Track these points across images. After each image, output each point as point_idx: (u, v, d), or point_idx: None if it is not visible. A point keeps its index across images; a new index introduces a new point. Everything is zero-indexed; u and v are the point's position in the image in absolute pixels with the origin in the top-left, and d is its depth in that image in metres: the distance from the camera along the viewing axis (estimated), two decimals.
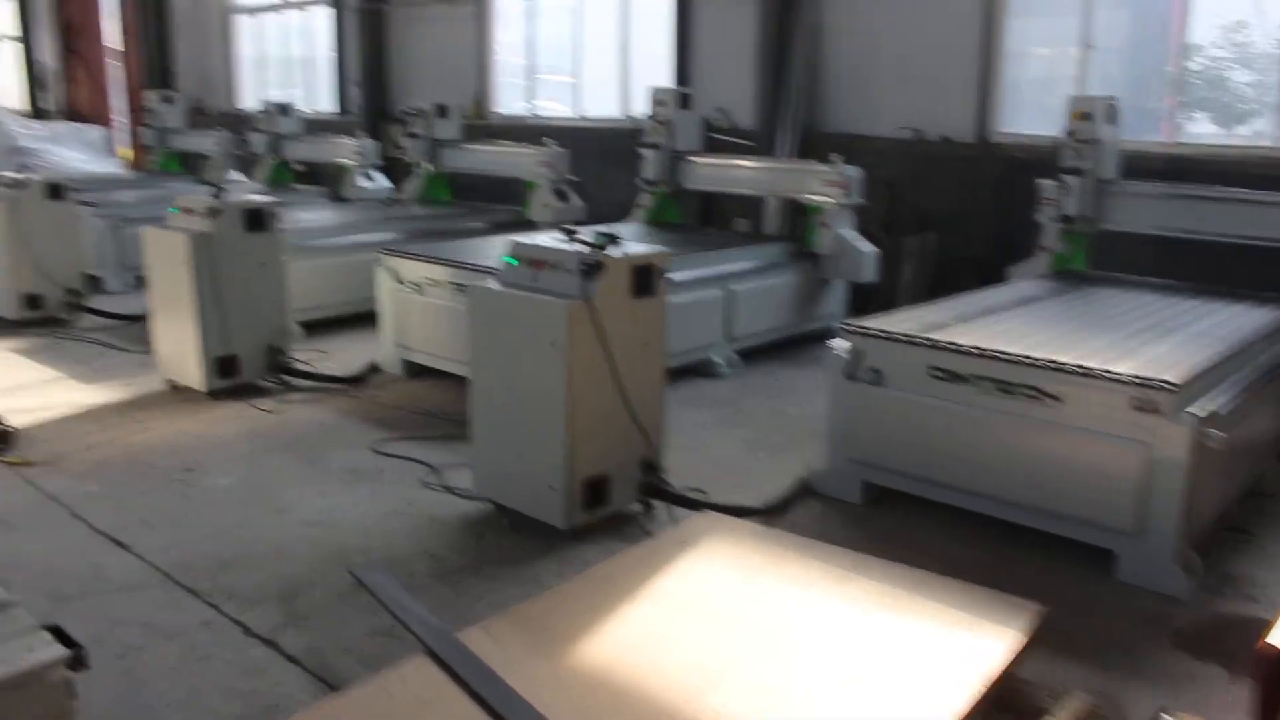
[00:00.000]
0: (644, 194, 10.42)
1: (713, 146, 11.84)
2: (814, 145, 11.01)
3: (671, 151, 10.25)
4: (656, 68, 12.63)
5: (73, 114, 22.63)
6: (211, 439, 6.54)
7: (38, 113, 22.94)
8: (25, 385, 7.74)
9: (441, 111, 12.28)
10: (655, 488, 5.23)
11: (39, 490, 5.71)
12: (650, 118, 10.40)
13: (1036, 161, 8.57)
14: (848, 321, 5.57)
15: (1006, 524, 5.15)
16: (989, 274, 8.20)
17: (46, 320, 9.54)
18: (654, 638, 3.65)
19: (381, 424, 6.82)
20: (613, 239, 4.82)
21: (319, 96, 17.98)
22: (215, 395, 7.26)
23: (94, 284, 10.54)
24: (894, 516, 5.49)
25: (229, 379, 7.27)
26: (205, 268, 7.04)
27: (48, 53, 24.56)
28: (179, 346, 7.31)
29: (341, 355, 8.54)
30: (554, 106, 14.27)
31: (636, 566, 4.29)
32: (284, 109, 14.05)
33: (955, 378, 5.17)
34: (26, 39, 24.72)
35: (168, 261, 7.22)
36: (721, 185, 10.34)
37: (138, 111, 17.59)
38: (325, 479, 5.89)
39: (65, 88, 23.75)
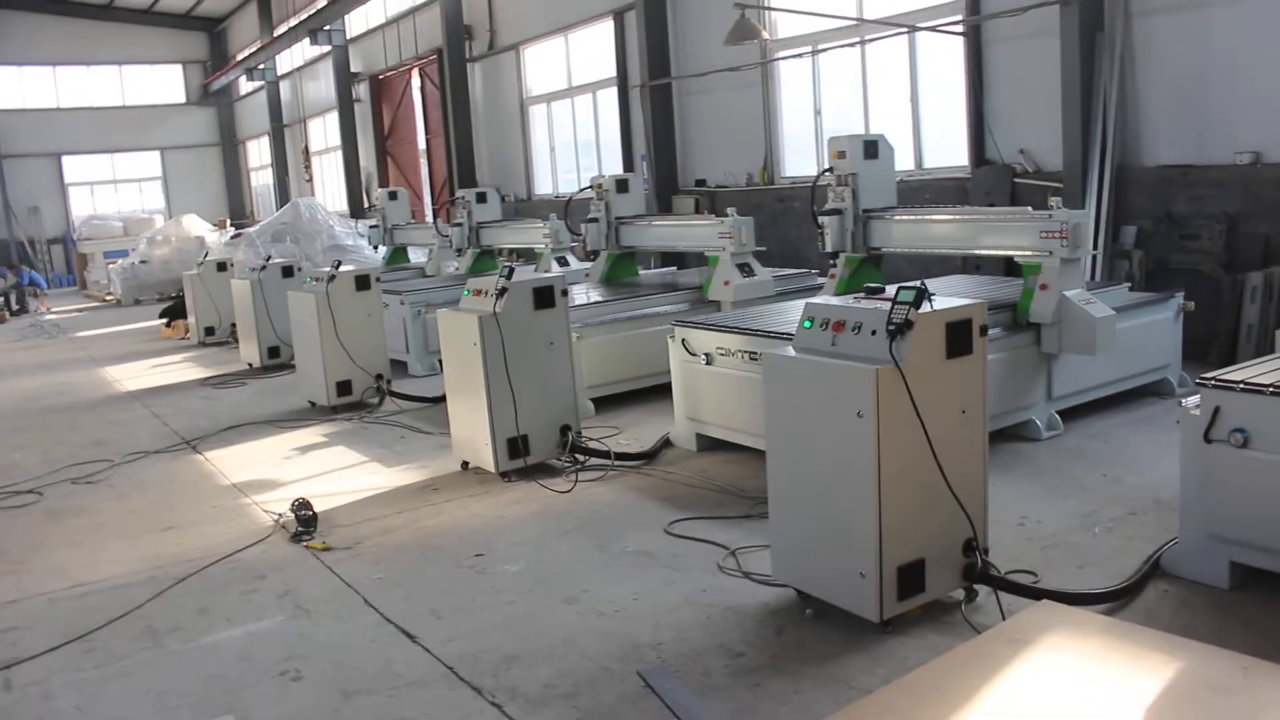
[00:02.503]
0: (833, 264, 8.83)
1: (1018, 193, 11.04)
2: (1129, 181, 10.02)
3: (859, 212, 8.59)
4: (952, 116, 11.96)
5: None
6: (502, 522, 6.37)
7: (356, 213, 24.68)
8: (332, 469, 7.93)
9: (621, 186, 11.38)
10: (980, 572, 4.56)
11: (335, 576, 5.68)
12: (829, 173, 8.71)
13: None
14: (1205, 375, 4.72)
15: None
16: None
17: (355, 405, 9.87)
18: None
19: (675, 503, 6.45)
20: (921, 293, 4.25)
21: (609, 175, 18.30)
22: (507, 476, 7.15)
23: (399, 369, 10.90)
24: (1273, 604, 4.56)
25: (520, 459, 7.13)
26: (495, 348, 6.96)
27: (365, 157, 26.52)
28: (471, 428, 7.26)
29: (633, 430, 8.31)
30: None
31: (964, 670, 3.65)
32: (482, 196, 14.04)
33: None
34: (347, 147, 26.79)
35: (459, 343, 7.21)
36: (919, 244, 8.62)
37: (441, 205, 18.54)
38: (616, 564, 5.56)
39: (381, 186, 25.42)
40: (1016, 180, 11.16)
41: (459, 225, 13.85)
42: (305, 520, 6.47)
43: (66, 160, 33.96)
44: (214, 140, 36.68)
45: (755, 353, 6.80)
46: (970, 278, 9.42)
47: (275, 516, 6.78)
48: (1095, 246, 10.17)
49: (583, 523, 6.23)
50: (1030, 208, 7.33)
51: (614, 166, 17.67)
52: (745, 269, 9.59)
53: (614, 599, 5.07)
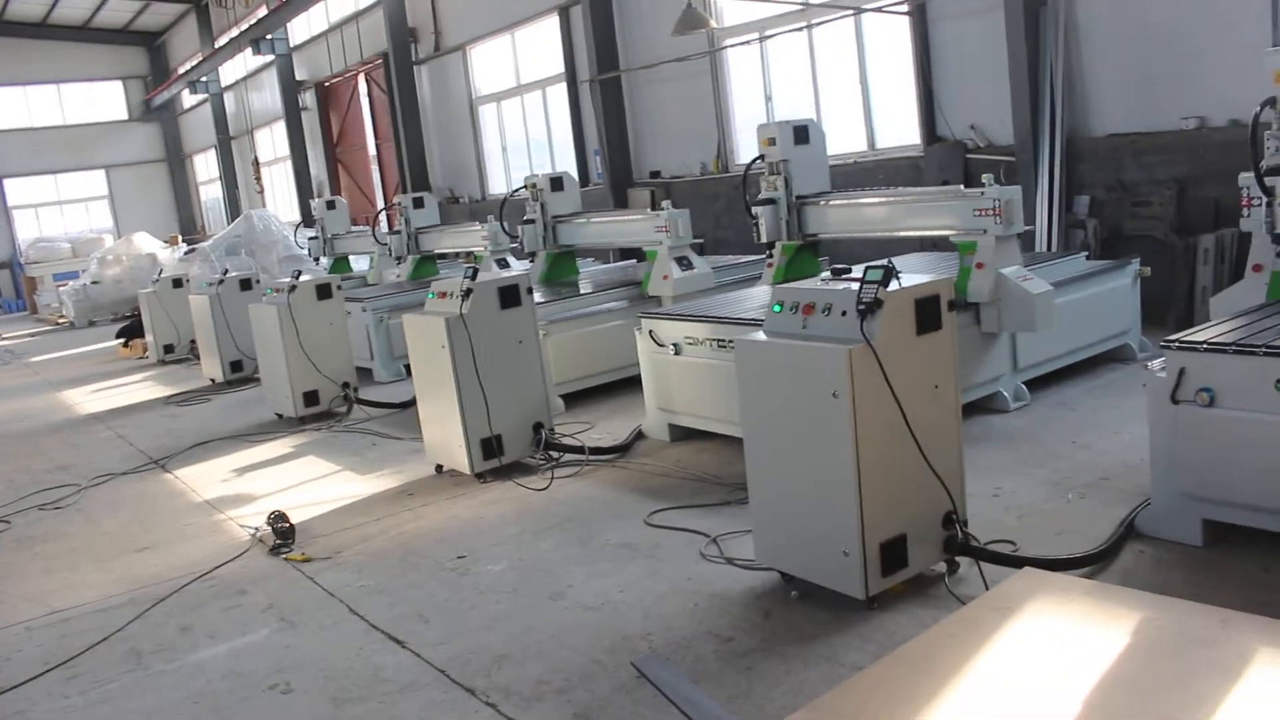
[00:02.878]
0: (770, 254, 8.63)
1: (971, 169, 11.14)
2: (1080, 152, 10.15)
3: (793, 199, 8.38)
4: (902, 96, 12.05)
5: None
6: (481, 523, 6.37)
7: (309, 222, 24.46)
8: (305, 480, 7.88)
9: (555, 184, 11.09)
10: (961, 544, 4.61)
11: (318, 586, 5.66)
12: (760, 161, 8.51)
13: None
14: (1169, 338, 4.80)
15: None
16: None
17: (323, 415, 9.81)
18: None
19: (652, 494, 6.48)
20: (889, 272, 4.29)
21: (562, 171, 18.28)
22: (482, 477, 7.14)
23: (364, 376, 10.84)
24: (1246, 558, 4.65)
25: (495, 459, 7.12)
26: (464, 349, 6.94)
27: (316, 166, 26.30)
28: (443, 430, 7.24)
29: (605, 424, 8.33)
30: None
31: (953, 641, 3.70)
32: (419, 201, 13.69)
33: None
34: (296, 156, 26.56)
35: (427, 346, 7.18)
36: (855, 229, 8.48)
37: (377, 214, 18.40)
38: (598, 558, 5.57)
39: (331, 193, 25.22)
40: (969, 156, 11.26)
41: (398, 233, 13.69)
42: (283, 533, 6.43)
43: (8, 183, 33.42)
44: (159, 156, 36.24)
45: (724, 340, 6.84)
46: (929, 255, 9.50)
47: (252, 531, 6.73)
48: (1050, 217, 10.31)
49: (562, 519, 6.24)
50: (963, 186, 7.09)
51: (568, 163, 17.64)
52: (683, 262, 9.35)
53: (599, 592, 5.08)
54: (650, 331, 7.50)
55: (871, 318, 4.24)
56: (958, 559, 4.69)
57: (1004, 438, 6.71)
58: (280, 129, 27.46)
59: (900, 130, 12.27)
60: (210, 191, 35.56)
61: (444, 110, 20.99)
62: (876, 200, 8.15)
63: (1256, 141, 5.36)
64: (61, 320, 24.73)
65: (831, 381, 4.25)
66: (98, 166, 34.83)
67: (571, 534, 5.98)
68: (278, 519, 6.51)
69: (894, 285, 4.31)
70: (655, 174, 15.71)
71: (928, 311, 4.42)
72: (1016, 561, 4.52)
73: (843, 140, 12.99)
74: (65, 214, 34.68)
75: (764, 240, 8.43)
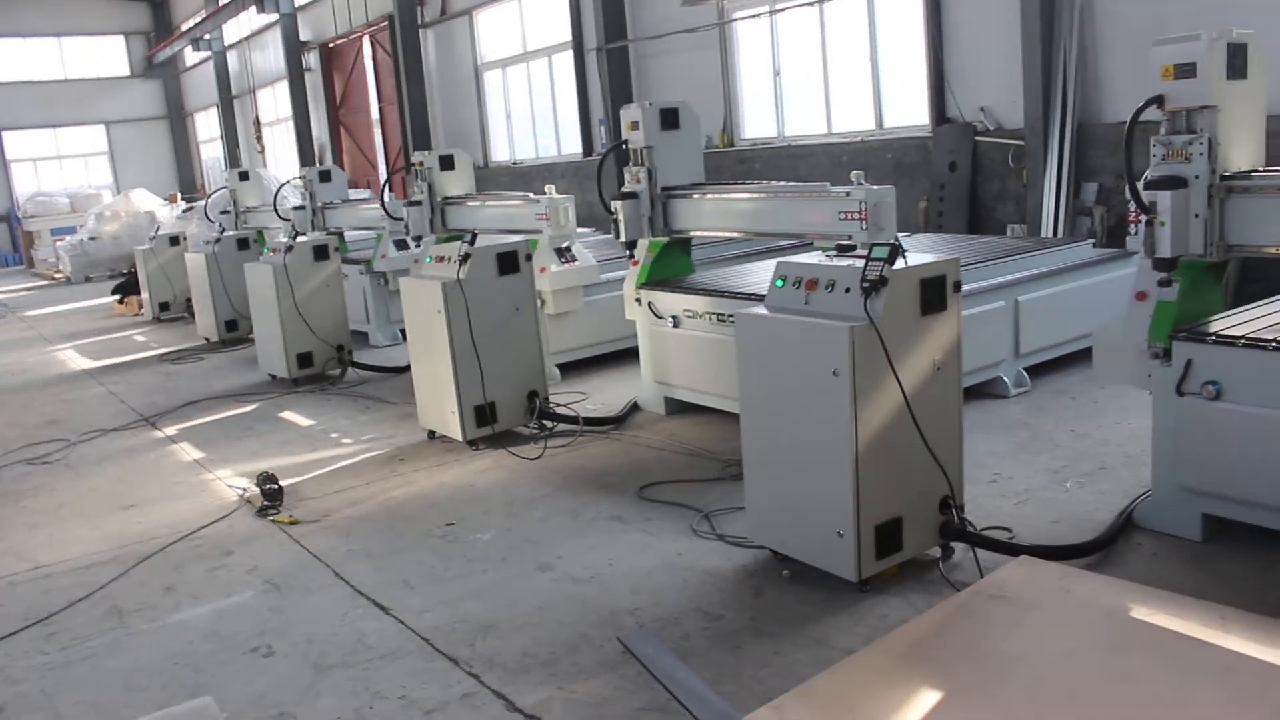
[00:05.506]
0: (631, 253, 7.59)
1: (980, 152, 11.04)
2: (1090, 138, 10.05)
3: (658, 191, 7.36)
4: (912, 75, 11.92)
5: None
6: (471, 491, 6.30)
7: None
8: (295, 442, 7.81)
9: (445, 163, 9.84)
10: (957, 529, 4.54)
11: (304, 549, 5.59)
12: (624, 147, 7.58)
13: None
14: (1179, 327, 4.71)
15: None
16: None
17: (317, 377, 9.73)
18: (978, 717, 3.02)
19: (646, 467, 6.41)
20: (895, 250, 4.20)
21: (566, 141, 18.17)
22: (474, 444, 7.07)
23: (360, 340, 10.74)
24: (1244, 555, 4.57)
25: (488, 426, 7.05)
26: (460, 315, 6.85)
27: (318, 127, 26.13)
28: (437, 396, 7.16)
29: (601, 394, 8.25)
30: (805, 125, 13.71)
31: (946, 627, 3.65)
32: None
33: None
34: (298, 117, 26.37)
35: (423, 311, 7.09)
36: (721, 225, 7.27)
37: (395, 173, 18.09)
38: (589, 530, 5.50)
39: (334, 157, 25.11)
40: (978, 139, 11.17)
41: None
42: (271, 494, 6.36)
43: (7, 136, 33.15)
44: (161, 113, 35.94)
45: (724, 315, 6.75)
46: (934, 236, 9.41)
47: (240, 492, 6.66)
48: (1057, 203, 10.21)
49: (554, 489, 6.17)
50: (830, 184, 6.01)
51: (572, 133, 17.52)
52: (564, 254, 8.46)
53: (588, 565, 5.02)
54: (649, 304, 7.41)
55: (876, 296, 4.16)
56: (953, 544, 4.63)
57: (1003, 424, 6.64)
58: (283, 89, 27.22)
59: (909, 110, 12.15)
60: (211, 150, 35.30)
61: (449, 75, 20.80)
62: (746, 196, 6.99)
63: (1131, 146, 4.63)
64: (58, 276, 24.62)
65: (832, 359, 4.16)
66: (98, 122, 34.52)
67: (562, 505, 5.91)
68: (266, 480, 6.45)
69: (900, 264, 4.22)
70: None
71: (933, 291, 4.33)
72: (1012, 549, 4.46)
73: (850, 119, 12.89)
74: (64, 169, 34.40)
75: (623, 239, 7.40)
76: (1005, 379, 7.23)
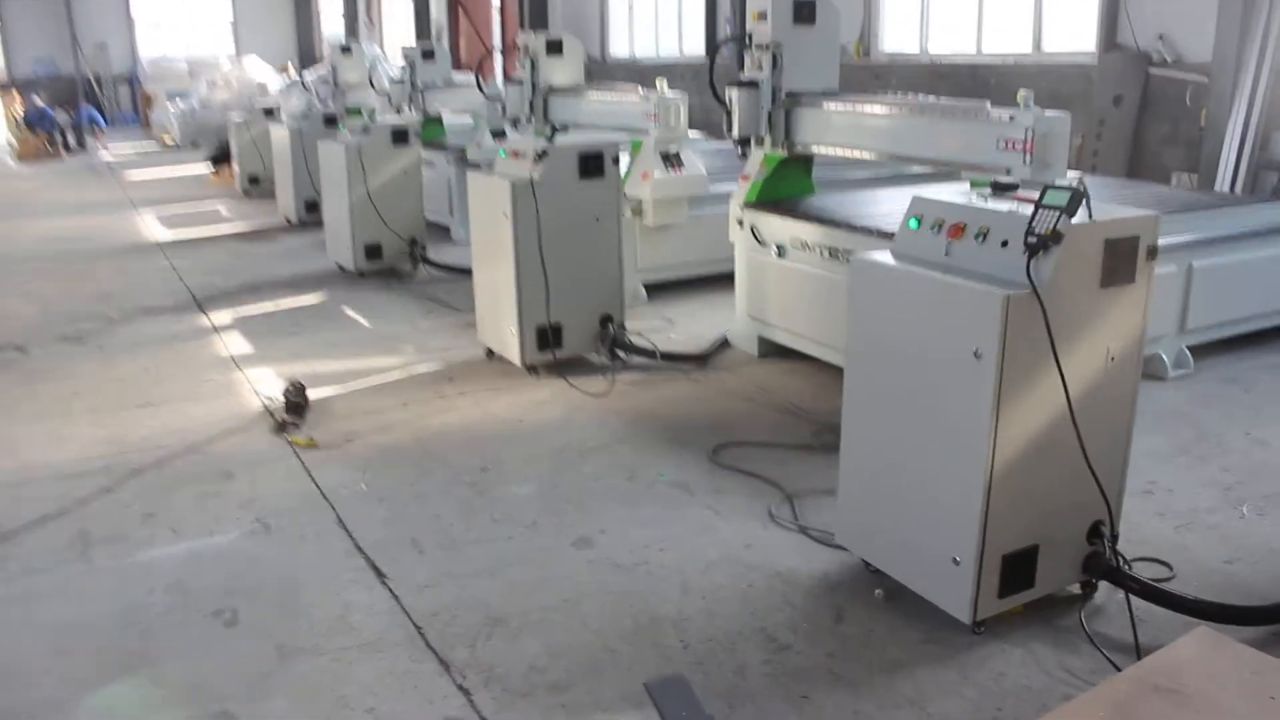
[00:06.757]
0: (747, 155, 6.54)
1: (1152, 87, 9.62)
2: None
3: (782, 94, 6.25)
4: None
5: (456, 64, 22.91)
6: (519, 428, 5.40)
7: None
8: (342, 345, 7.00)
9: (552, 48, 8.94)
10: (1107, 566, 3.48)
11: (312, 482, 4.77)
12: (737, 43, 6.65)
13: None
14: None
15: None
16: None
17: (385, 272, 8.93)
18: None
19: (725, 421, 5.43)
20: (1078, 196, 3.08)
21: (689, 40, 16.97)
22: (533, 370, 6.17)
23: (441, 234, 9.90)
24: None
25: (550, 352, 6.12)
26: (529, 220, 5.89)
27: (436, 5, 25.14)
28: (496, 312, 6.26)
29: (689, 325, 7.26)
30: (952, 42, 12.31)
31: None
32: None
33: None
34: None
35: (489, 212, 6.15)
36: (849, 143, 6.05)
37: (512, 58, 17.10)
38: (646, 497, 4.56)
39: (451, 38, 24.17)
40: (1151, 71, 9.72)
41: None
42: (295, 408, 5.59)
43: None
44: None
45: (838, 250, 5.68)
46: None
47: (266, 400, 5.89)
48: (1239, 154, 8.79)
49: (614, 438, 5.24)
50: (989, 103, 5.03)
51: (696, 32, 16.28)
52: (671, 160, 7.57)
53: (635, 547, 4.08)
54: (751, 227, 6.36)
55: (1044, 255, 3.07)
56: (1098, 581, 3.58)
57: (1161, 415, 5.46)
58: None
59: (1073, 32, 10.67)
60: (333, 24, 34.58)
61: None
62: (884, 110, 5.80)
63: None
64: (168, 140, 24.28)
65: (975, 335, 3.11)
66: None
67: (620, 459, 4.97)
68: (295, 390, 5.66)
69: (1081, 214, 3.11)
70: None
71: (1121, 257, 3.22)
72: (1182, 604, 3.37)
73: (1004, 38, 11.46)
74: (188, 32, 34.05)
75: (736, 135, 6.36)
76: (1165, 357, 6.05)
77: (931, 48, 12.46)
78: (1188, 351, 6.18)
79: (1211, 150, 9.01)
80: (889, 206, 6.14)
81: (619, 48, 18.71)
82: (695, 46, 16.44)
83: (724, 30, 15.20)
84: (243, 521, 4.40)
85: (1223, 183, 8.81)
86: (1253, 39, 8.67)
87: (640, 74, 17.18)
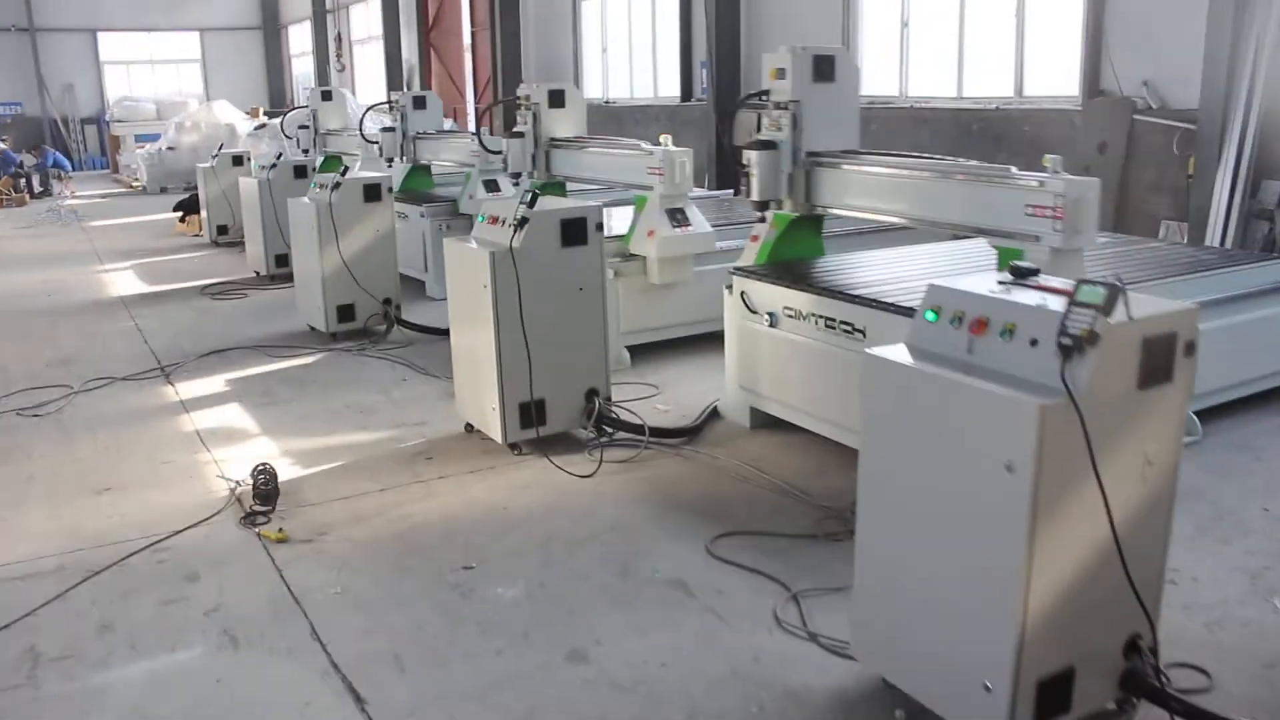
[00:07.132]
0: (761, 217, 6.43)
1: (1137, 133, 9.46)
2: (1277, 129, 8.44)
3: (802, 154, 6.11)
4: (1064, 35, 10.32)
5: None
6: (503, 516, 5.10)
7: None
8: (313, 418, 6.69)
9: (554, 99, 8.85)
10: (1147, 685, 3.22)
11: (284, 584, 4.44)
12: (760, 98, 6.37)
13: None
14: None
15: None
16: None
17: (358, 333, 8.62)
18: None
19: (721, 505, 5.14)
20: (1114, 292, 2.84)
21: (664, 82, 16.82)
22: (516, 448, 5.87)
23: (416, 289, 9.61)
24: None
25: (533, 430, 5.83)
26: (510, 292, 5.62)
27: (408, 49, 25.00)
28: (476, 387, 5.97)
29: (676, 391, 6.99)
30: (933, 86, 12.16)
31: None
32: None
33: None
34: (389, 38, 25.27)
35: (468, 282, 5.87)
36: (867, 206, 6.01)
37: (488, 108, 16.94)
38: (642, 599, 4.26)
39: (423, 82, 24.01)
40: (1137, 117, 9.57)
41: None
42: (264, 495, 5.25)
43: (102, 36, 32.51)
44: (255, 23, 35.02)
45: (835, 320, 5.43)
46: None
47: (232, 484, 5.56)
48: (1229, 204, 8.64)
49: (603, 526, 4.94)
50: (1014, 169, 4.98)
51: (671, 73, 16.12)
52: (677, 216, 7.38)
53: (635, 661, 3.78)
54: (742, 293, 6.11)
55: (1079, 358, 2.82)
56: (1136, 700, 3.31)
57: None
58: (376, 6, 26.07)
59: (1057, 77, 10.53)
60: (303, 65, 34.38)
61: (545, 1, 19.44)
62: (907, 172, 5.66)
63: None
64: (135, 184, 23.91)
65: (1006, 447, 2.85)
66: (193, 28, 33.74)
67: (613, 551, 4.68)
68: (262, 474, 5.33)
69: (1120, 313, 2.87)
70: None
71: (1158, 355, 2.98)
72: None
73: (985, 82, 11.32)
74: (157, 74, 33.73)
75: (756, 198, 6.18)
76: None
77: (911, 90, 12.32)
78: (1195, 418, 5.96)
79: (1201, 198, 8.85)
80: (885, 271, 5.93)
81: (592, 89, 18.54)
82: (669, 88, 16.28)
83: (700, 74, 15.04)
84: (209, 633, 4.07)
85: (1214, 233, 8.65)
86: (1240, 85, 8.54)
87: (615, 116, 17.05)
